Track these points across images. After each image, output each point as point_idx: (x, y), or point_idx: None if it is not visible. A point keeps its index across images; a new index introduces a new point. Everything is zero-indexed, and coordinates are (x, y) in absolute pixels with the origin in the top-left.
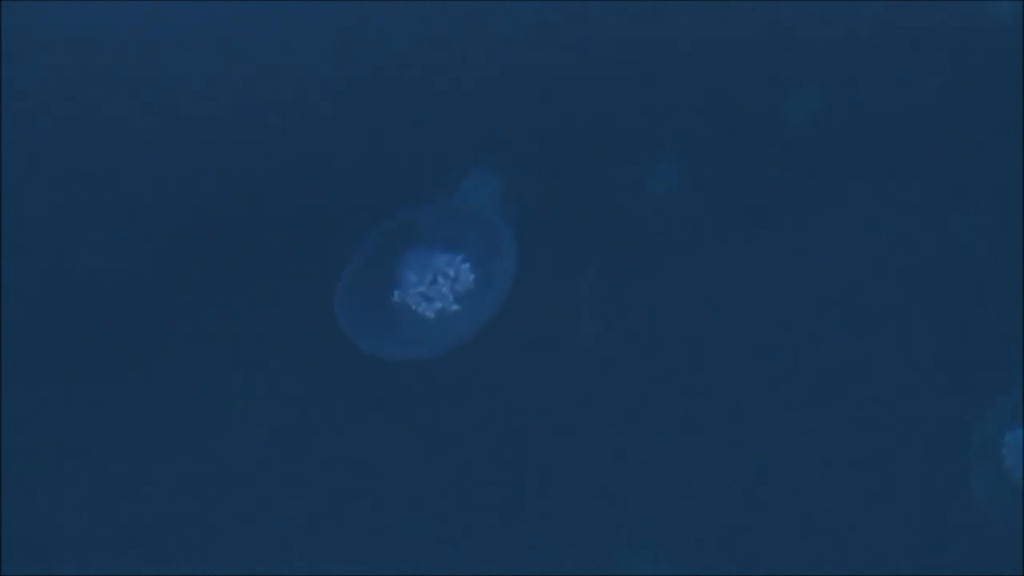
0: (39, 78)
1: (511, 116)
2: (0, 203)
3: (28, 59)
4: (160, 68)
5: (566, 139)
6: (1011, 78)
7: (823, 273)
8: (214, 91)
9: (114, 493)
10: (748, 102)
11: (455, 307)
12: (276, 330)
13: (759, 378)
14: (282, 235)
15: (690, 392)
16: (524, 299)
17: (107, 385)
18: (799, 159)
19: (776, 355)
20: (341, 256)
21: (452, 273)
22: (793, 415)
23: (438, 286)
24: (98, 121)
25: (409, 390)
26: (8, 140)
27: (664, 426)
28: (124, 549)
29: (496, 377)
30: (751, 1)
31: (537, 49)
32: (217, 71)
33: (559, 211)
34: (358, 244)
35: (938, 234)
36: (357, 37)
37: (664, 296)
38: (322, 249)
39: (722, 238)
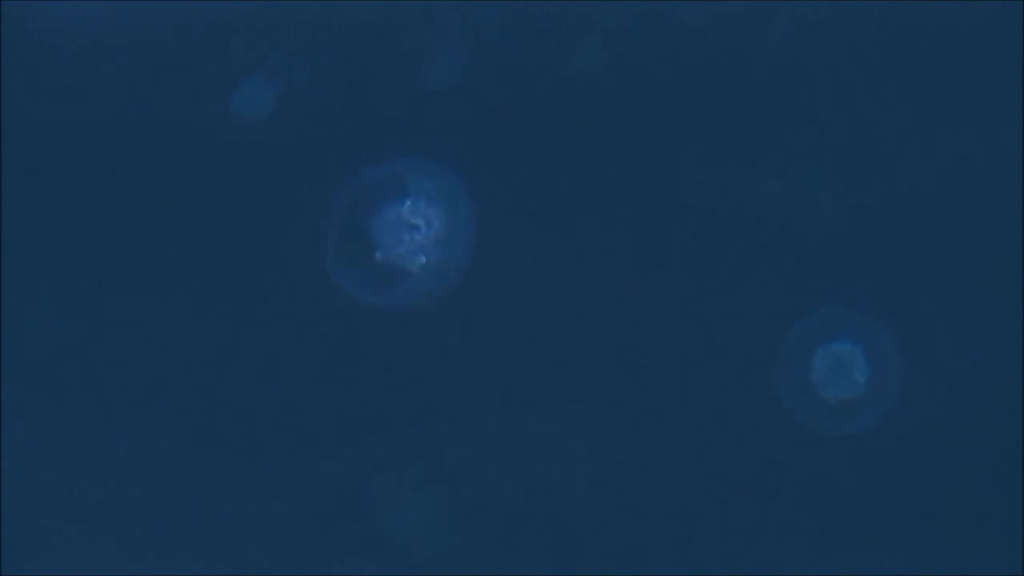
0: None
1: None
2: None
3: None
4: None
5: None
6: (1011, 78)
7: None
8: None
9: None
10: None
11: (437, 256)
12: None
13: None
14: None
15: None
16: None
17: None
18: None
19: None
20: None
21: (422, 223)
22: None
23: (414, 240)
24: (100, 121)
25: (407, 349)
26: (8, 139)
27: None
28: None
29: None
30: None
31: None
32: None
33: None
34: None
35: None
36: None
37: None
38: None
39: None
